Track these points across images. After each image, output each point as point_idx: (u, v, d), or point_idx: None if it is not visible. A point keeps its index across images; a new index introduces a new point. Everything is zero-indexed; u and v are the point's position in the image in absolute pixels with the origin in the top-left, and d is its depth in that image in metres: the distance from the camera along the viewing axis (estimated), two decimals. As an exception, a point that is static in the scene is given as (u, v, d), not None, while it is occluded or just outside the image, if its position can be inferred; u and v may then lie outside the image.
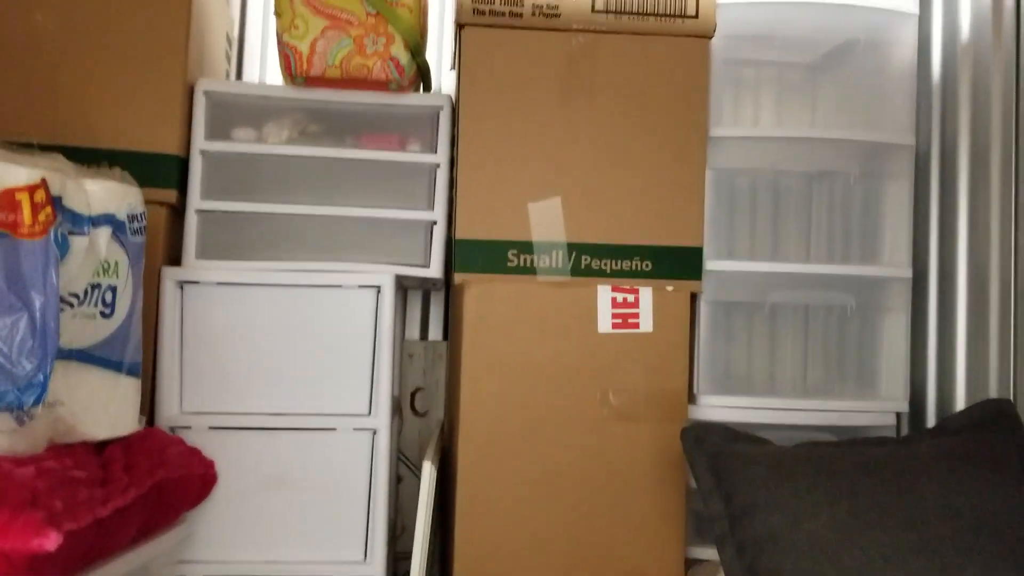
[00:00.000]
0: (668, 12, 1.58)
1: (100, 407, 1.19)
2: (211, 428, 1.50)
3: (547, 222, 1.56)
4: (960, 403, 1.56)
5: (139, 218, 1.29)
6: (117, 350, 1.22)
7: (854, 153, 1.72)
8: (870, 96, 1.76)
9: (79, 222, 1.15)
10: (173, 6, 1.55)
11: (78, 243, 1.14)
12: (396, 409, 1.71)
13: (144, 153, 1.52)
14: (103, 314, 1.19)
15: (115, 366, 1.23)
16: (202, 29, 1.64)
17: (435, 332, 2.03)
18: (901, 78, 1.71)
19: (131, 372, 1.27)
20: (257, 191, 1.59)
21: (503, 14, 1.56)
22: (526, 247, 1.56)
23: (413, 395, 1.98)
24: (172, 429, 1.49)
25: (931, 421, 1.64)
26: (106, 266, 1.20)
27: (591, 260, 1.57)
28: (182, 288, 1.53)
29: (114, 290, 1.21)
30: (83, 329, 1.16)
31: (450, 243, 1.61)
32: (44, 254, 1.05)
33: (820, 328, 1.85)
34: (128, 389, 1.27)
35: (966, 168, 1.59)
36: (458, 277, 1.56)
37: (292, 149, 1.60)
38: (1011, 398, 1.43)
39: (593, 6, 1.57)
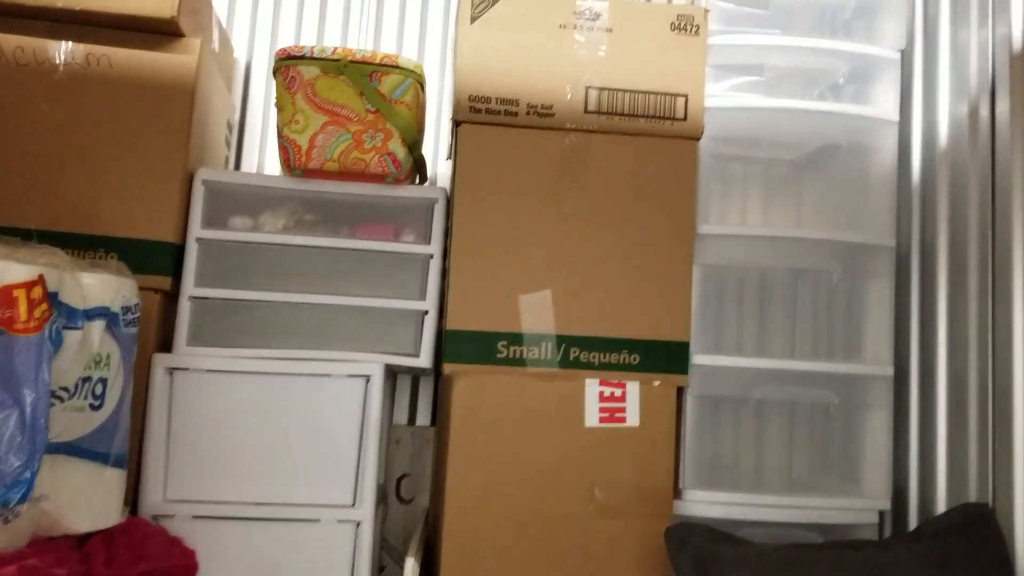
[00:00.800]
0: (658, 114, 1.63)
1: (85, 500, 1.20)
2: (195, 517, 1.50)
3: (537, 314, 1.59)
4: (941, 502, 1.57)
5: (133, 309, 1.30)
6: (104, 442, 1.23)
7: (837, 252, 1.76)
8: (853, 197, 1.80)
9: (74, 316, 1.16)
10: (176, 97, 1.60)
11: (72, 337, 1.15)
12: (381, 498, 1.71)
13: (141, 240, 1.55)
14: (92, 407, 1.21)
15: (102, 458, 1.23)
16: (203, 118, 1.68)
17: (423, 417, 2.04)
18: (882, 181, 1.76)
19: (117, 464, 1.27)
20: (251, 279, 1.61)
21: (499, 112, 1.61)
22: (516, 339, 1.58)
23: (399, 481, 1.98)
24: (155, 518, 1.48)
25: (913, 519, 1.65)
26: (98, 359, 1.21)
27: (580, 352, 1.59)
28: (172, 375, 1.54)
29: (105, 382, 1.22)
30: (72, 422, 1.17)
31: (441, 333, 1.63)
32: (38, 350, 1.06)
33: (805, 424, 1.87)
34: (113, 481, 1.27)
35: (945, 269, 1.62)
36: (447, 368, 1.58)
37: (287, 238, 1.63)
38: (990, 498, 1.44)
39: (586, 107, 1.62)
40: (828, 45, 1.75)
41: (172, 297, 1.60)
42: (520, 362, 1.57)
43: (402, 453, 1.99)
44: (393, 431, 1.99)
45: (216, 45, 1.82)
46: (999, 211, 1.48)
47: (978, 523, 1.33)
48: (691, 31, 1.66)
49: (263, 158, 2.07)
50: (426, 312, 1.64)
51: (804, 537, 1.57)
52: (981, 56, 1.56)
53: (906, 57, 1.78)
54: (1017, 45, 1.46)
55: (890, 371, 1.70)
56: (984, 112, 1.54)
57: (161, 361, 1.53)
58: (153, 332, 1.54)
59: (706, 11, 1.67)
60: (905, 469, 1.68)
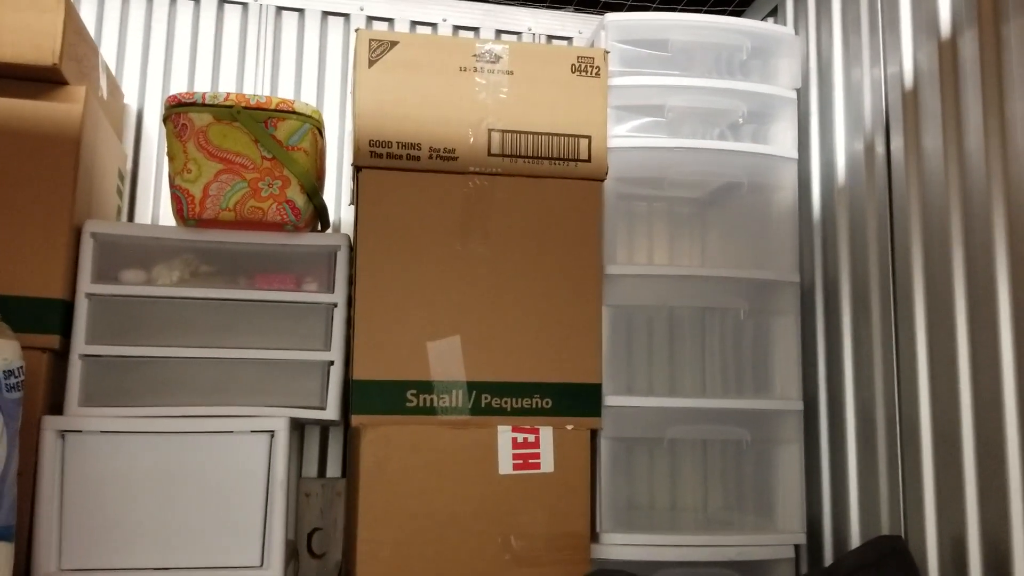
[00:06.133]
0: (562, 156, 1.63)
1: (-33, 579, 1.12)
2: (92, 587, 1.42)
3: (446, 361, 1.55)
4: (855, 534, 1.58)
5: (16, 373, 1.23)
6: (-12, 516, 1.15)
7: (744, 290, 1.77)
8: (756, 234, 1.83)
9: (-50, 383, 1.09)
10: (60, 147, 1.52)
11: (-52, 406, 1.08)
12: (292, 554, 1.65)
13: (26, 298, 1.47)
14: (-26, 479, 1.13)
15: (-15, 532, 1.15)
16: (91, 167, 1.61)
17: (334, 469, 1.98)
18: (784, 218, 1.79)
19: (4, 537, 1.20)
20: (146, 334, 1.55)
21: (400, 156, 1.58)
22: (425, 387, 1.54)
23: (310, 536, 1.91)
24: (47, 590, 1.40)
25: (829, 552, 1.66)
26: (-22, 427, 1.13)
27: (491, 399, 1.56)
28: (63, 437, 1.46)
29: (-14, 452, 1.14)
30: (-50, 497, 1.09)
31: (348, 383, 1.59)
32: (-91, 422, 0.99)
33: (718, 461, 1.87)
34: (1, 556, 1.19)
35: (848, 302, 1.65)
36: (355, 419, 1.53)
37: (182, 291, 1.56)
38: (902, 529, 1.46)
39: (489, 149, 1.61)
40: (726, 85, 1.78)
41: (62, 356, 1.51)
42: (431, 411, 1.54)
43: (312, 507, 1.93)
44: (302, 484, 1.93)
45: (104, 92, 1.76)
46: (898, 244, 1.52)
47: (893, 556, 1.34)
48: (592, 73, 1.67)
49: (157, 208, 2.00)
50: (331, 362, 1.59)
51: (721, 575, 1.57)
52: (875, 94, 1.60)
53: (802, 96, 1.82)
54: (908, 83, 1.51)
55: (799, 406, 1.72)
56: (880, 149, 1.58)
57: (51, 424, 1.44)
58: (42, 393, 1.46)
59: (606, 53, 1.68)
60: (819, 502, 1.69)
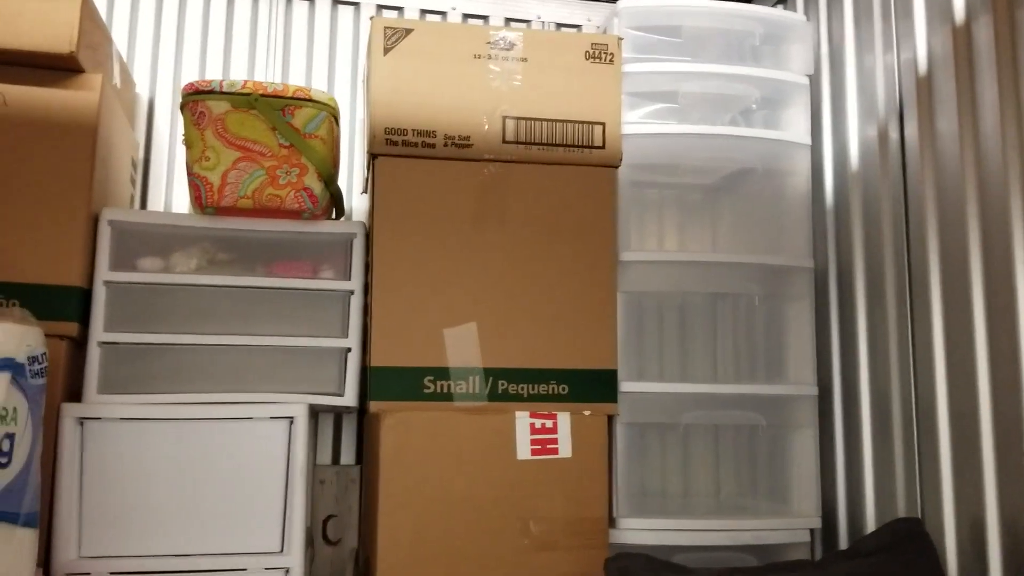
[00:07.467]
0: (576, 143, 1.63)
1: (-7, 564, 1.12)
2: (112, 574, 1.43)
3: (463, 348, 1.56)
4: (871, 517, 1.59)
5: (40, 359, 1.23)
6: (14, 502, 1.16)
7: (757, 275, 1.78)
8: (769, 220, 1.84)
9: (-24, 369, 1.09)
10: (77, 135, 1.53)
11: (-26, 392, 1.08)
12: (308, 541, 1.66)
13: (45, 286, 1.47)
14: (0, 464, 1.13)
15: (11, 518, 1.16)
16: (107, 156, 1.61)
17: (347, 456, 1.98)
18: (797, 203, 1.79)
19: (27, 523, 1.20)
20: (164, 322, 1.55)
21: (416, 144, 1.58)
22: (442, 373, 1.55)
23: (325, 523, 1.92)
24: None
25: (844, 536, 1.67)
26: (3, 413, 1.14)
27: (508, 385, 1.56)
28: (83, 425, 1.46)
29: (12, 438, 1.15)
30: (-22, 483, 1.10)
31: (365, 370, 1.59)
32: (-60, 407, 0.99)
33: (731, 446, 1.88)
34: (24, 542, 1.20)
35: (863, 287, 1.66)
36: (373, 406, 1.53)
37: (200, 278, 1.57)
38: (918, 512, 1.47)
39: (503, 137, 1.61)
40: (739, 71, 1.78)
41: (80, 344, 1.52)
42: (447, 397, 1.54)
43: (327, 494, 1.93)
44: (317, 471, 1.93)
45: (117, 81, 1.76)
46: (913, 228, 1.52)
47: (911, 538, 1.35)
48: (606, 59, 1.67)
49: (170, 196, 2.00)
50: (349, 349, 1.60)
51: (738, 560, 1.58)
52: (887, 80, 1.61)
53: (814, 82, 1.83)
54: (922, 69, 1.51)
55: (814, 391, 1.73)
56: (894, 134, 1.58)
57: (71, 411, 1.45)
58: (61, 381, 1.46)
59: (620, 39, 1.68)
60: (833, 487, 1.70)
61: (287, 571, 1.47)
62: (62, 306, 1.48)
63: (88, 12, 1.57)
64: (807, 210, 1.79)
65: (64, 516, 1.43)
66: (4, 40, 1.49)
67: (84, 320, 1.51)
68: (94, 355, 1.51)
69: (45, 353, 1.26)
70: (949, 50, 1.45)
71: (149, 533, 1.45)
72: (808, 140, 1.81)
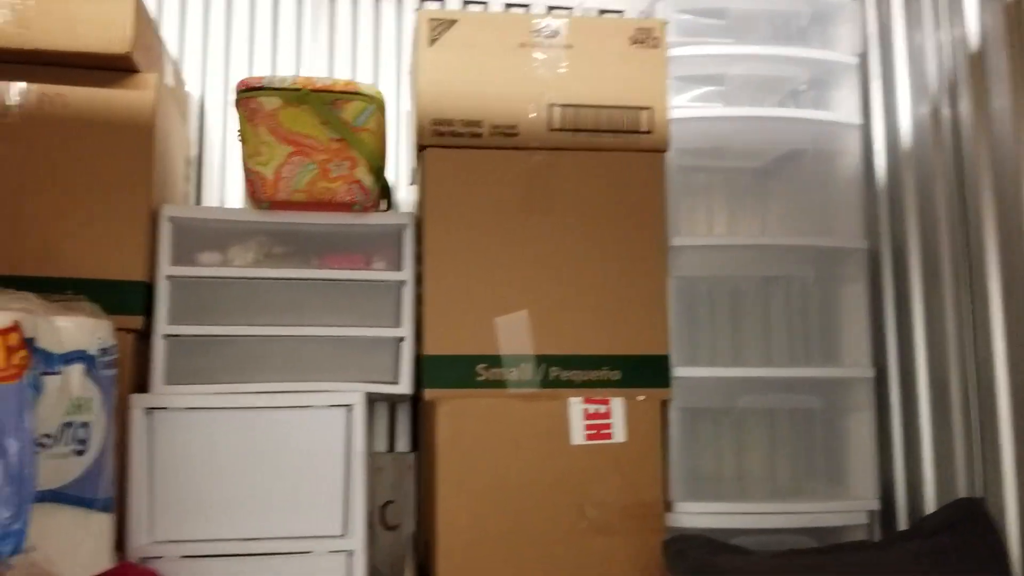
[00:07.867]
0: (623, 128, 1.63)
1: (73, 548, 1.17)
2: (183, 557, 1.47)
3: (515, 335, 1.57)
4: (930, 499, 1.58)
5: (110, 351, 1.27)
6: (90, 487, 1.20)
7: (809, 258, 1.77)
8: (821, 202, 1.82)
9: (51, 361, 1.13)
10: (135, 134, 1.56)
11: (51, 383, 1.12)
12: (368, 526, 1.68)
13: (110, 281, 1.51)
14: (76, 452, 1.18)
15: (88, 503, 1.20)
16: (163, 153, 1.65)
17: (403, 443, 2.01)
18: (849, 184, 1.78)
19: (104, 508, 1.24)
20: (224, 314, 1.59)
21: (463, 135, 1.60)
22: (495, 361, 1.57)
23: (383, 509, 1.95)
24: (143, 559, 1.45)
25: (902, 518, 1.65)
26: (79, 403, 1.18)
27: (560, 372, 1.58)
28: (150, 415, 1.50)
29: (88, 426, 1.19)
30: (56, 469, 1.14)
31: (418, 359, 1.61)
32: (18, 398, 1.03)
33: (786, 430, 1.87)
34: (101, 526, 1.24)
35: (918, 268, 1.64)
36: (428, 393, 1.56)
37: (258, 271, 1.60)
38: (979, 493, 1.46)
39: (550, 125, 1.62)
40: (787, 52, 1.77)
41: (144, 336, 1.56)
42: (500, 384, 1.56)
43: (384, 480, 1.96)
44: (373, 458, 1.96)
45: (170, 80, 1.79)
46: (969, 208, 1.51)
47: (973, 518, 1.34)
48: (651, 44, 1.67)
49: (224, 192, 2.03)
50: (402, 338, 1.62)
51: (797, 542, 1.57)
52: (938, 58, 1.59)
53: (863, 61, 1.81)
54: (974, 45, 1.49)
55: (871, 372, 1.71)
56: (946, 112, 1.56)
57: (138, 402, 1.49)
58: (128, 373, 1.50)
59: (664, 23, 1.68)
60: (891, 469, 1.69)
61: (350, 553, 1.51)
62: (127, 300, 1.52)
63: (141, 13, 1.60)
64: (859, 191, 1.77)
65: (136, 502, 1.47)
66: (63, 42, 1.52)
67: (148, 313, 1.55)
68: (159, 347, 1.55)
69: (115, 345, 1.30)
70: (1001, 25, 1.43)
71: (217, 517, 1.49)
72: (859, 120, 1.79)
